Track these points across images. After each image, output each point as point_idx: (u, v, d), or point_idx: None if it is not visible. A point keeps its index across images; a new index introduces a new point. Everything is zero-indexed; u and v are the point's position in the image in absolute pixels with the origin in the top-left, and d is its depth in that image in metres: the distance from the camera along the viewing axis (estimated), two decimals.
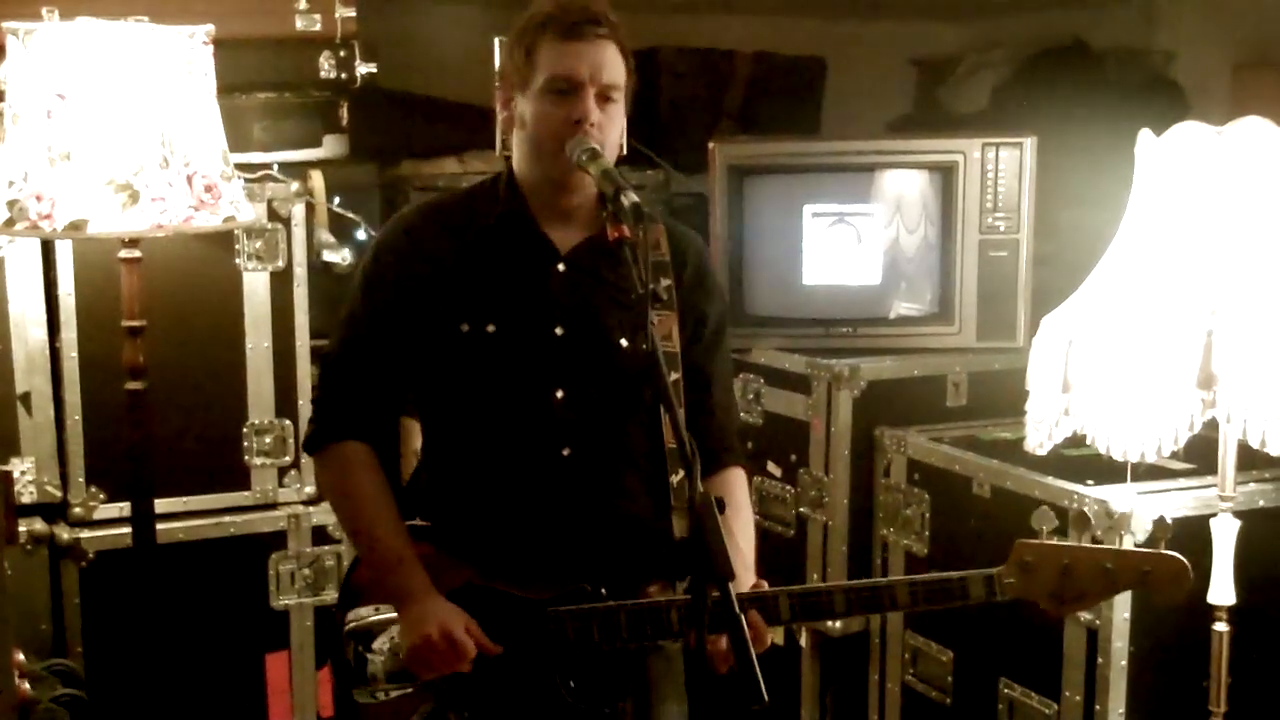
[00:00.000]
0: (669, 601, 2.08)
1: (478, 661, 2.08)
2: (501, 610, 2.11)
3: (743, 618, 1.72)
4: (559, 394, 2.14)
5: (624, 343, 2.16)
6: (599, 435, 2.16)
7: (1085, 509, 2.58)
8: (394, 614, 2.14)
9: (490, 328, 2.14)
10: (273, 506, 3.21)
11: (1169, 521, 2.11)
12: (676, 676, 2.23)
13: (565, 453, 2.14)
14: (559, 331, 2.15)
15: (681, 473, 1.84)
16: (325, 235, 3.35)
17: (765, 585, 2.08)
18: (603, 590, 2.10)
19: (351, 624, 2.18)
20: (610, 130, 2.11)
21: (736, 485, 2.25)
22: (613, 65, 2.11)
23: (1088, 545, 2.11)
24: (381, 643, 2.15)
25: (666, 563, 2.12)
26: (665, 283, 2.13)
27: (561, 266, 2.17)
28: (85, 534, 3.03)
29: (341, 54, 3.33)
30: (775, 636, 2.12)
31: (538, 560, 2.13)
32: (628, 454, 2.18)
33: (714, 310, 2.26)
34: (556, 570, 2.12)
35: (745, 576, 2.08)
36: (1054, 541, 2.10)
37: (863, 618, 3.22)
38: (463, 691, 2.11)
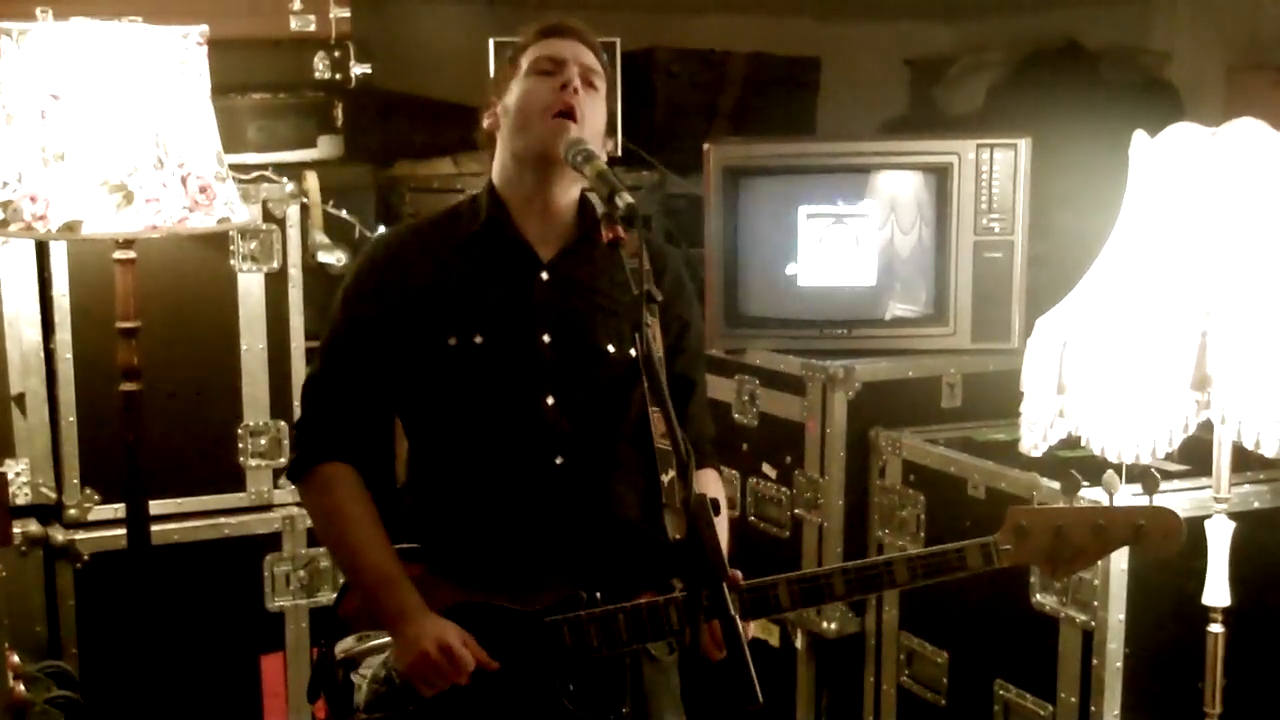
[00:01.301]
0: (668, 600, 2.08)
1: (477, 677, 2.07)
2: (497, 624, 2.10)
3: (738, 618, 1.72)
4: (549, 401, 2.14)
5: (611, 349, 2.17)
6: (590, 442, 2.16)
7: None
8: (384, 640, 2.12)
9: (478, 339, 2.14)
10: (268, 508, 3.21)
11: (1157, 475, 2.12)
12: (673, 689, 2.23)
13: (558, 461, 2.14)
14: (546, 339, 2.15)
15: (672, 472, 1.84)
16: (320, 236, 3.34)
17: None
18: (598, 595, 2.10)
19: (342, 654, 2.16)
20: (591, 113, 2.15)
21: (711, 484, 2.28)
22: (593, 59, 2.19)
23: (1080, 506, 2.10)
24: (376, 670, 2.12)
25: (659, 568, 2.12)
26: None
27: (545, 275, 2.18)
28: (80, 535, 3.03)
29: (336, 54, 3.33)
30: (771, 638, 2.12)
31: (531, 570, 2.12)
32: (619, 460, 2.18)
33: (695, 319, 2.30)
34: (550, 579, 2.11)
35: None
36: (1046, 505, 2.09)
37: (858, 619, 3.22)
38: (463, 708, 2.09)
